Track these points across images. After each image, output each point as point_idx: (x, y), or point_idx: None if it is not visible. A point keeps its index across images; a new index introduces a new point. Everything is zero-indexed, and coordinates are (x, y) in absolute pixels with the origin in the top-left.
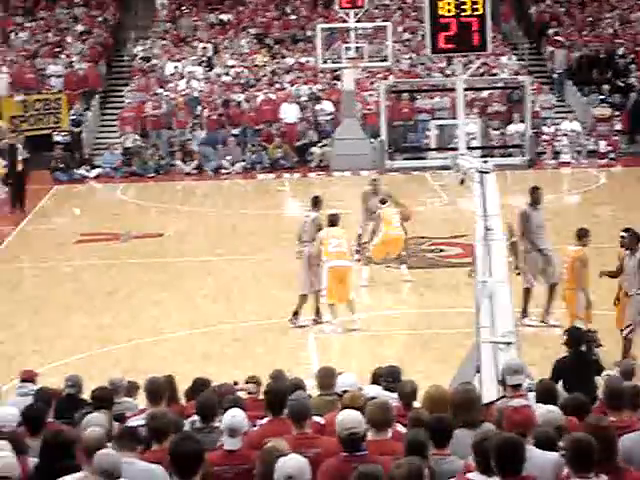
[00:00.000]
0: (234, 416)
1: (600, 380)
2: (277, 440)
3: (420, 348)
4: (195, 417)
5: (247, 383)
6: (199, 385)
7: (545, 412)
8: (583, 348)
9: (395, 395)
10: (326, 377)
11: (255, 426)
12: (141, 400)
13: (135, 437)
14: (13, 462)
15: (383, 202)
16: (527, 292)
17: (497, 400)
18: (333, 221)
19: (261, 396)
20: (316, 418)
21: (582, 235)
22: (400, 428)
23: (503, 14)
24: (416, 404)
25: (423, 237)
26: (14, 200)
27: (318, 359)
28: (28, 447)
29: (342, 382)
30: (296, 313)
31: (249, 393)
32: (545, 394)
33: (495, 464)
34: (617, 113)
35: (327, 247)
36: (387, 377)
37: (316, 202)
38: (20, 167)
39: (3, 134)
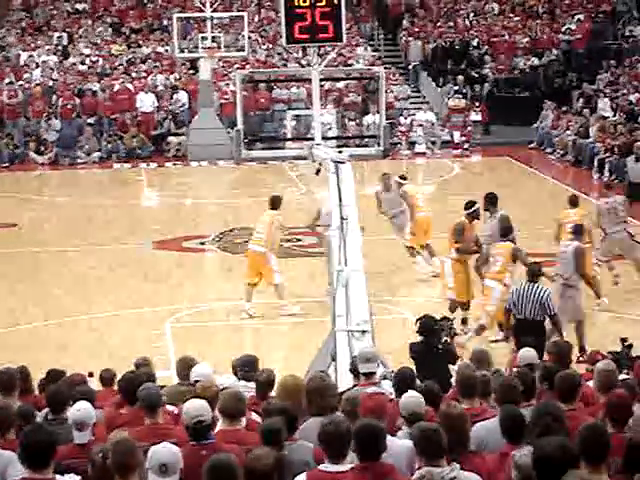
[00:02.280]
0: (79, 410)
1: (455, 368)
2: (119, 431)
3: (278, 337)
4: (47, 409)
5: (101, 375)
6: (53, 376)
7: (405, 398)
8: (434, 336)
9: (252, 384)
10: (182, 367)
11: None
12: None
13: None
14: None
15: (403, 178)
16: None
17: (351, 388)
18: (272, 203)
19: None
20: (170, 407)
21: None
22: (255, 417)
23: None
24: (273, 393)
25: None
26: None
27: (175, 349)
28: None
29: (196, 372)
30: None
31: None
32: (403, 382)
33: (355, 449)
34: (475, 104)
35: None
36: (244, 366)
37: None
38: None
39: None
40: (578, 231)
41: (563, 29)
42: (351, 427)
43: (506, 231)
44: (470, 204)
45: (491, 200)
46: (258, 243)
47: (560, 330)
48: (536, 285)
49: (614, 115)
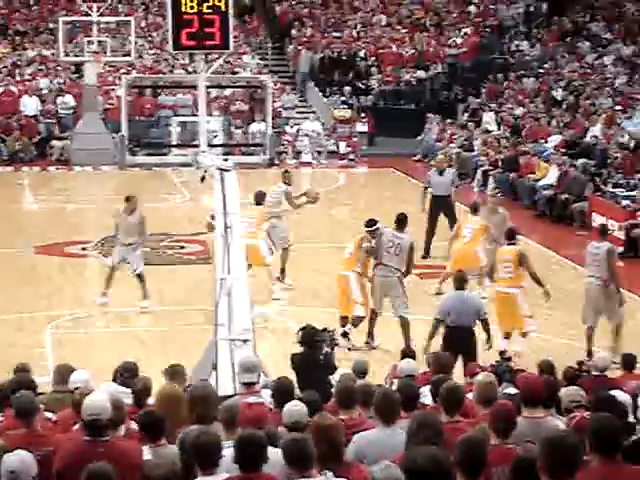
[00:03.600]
0: None
1: (335, 379)
2: None
3: (159, 344)
4: None
5: None
6: None
7: (289, 407)
8: (316, 346)
9: (130, 391)
10: (60, 373)
11: None
12: None
13: None
14: None
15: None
16: None
17: (230, 397)
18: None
19: None
20: (48, 414)
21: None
22: (134, 426)
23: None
24: (150, 401)
25: (164, 234)
26: None
27: (54, 356)
28: None
29: (74, 379)
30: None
31: None
32: (282, 391)
33: (236, 459)
34: (361, 115)
35: None
36: (124, 373)
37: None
38: None
39: None
40: (604, 232)
41: (449, 42)
42: (220, 437)
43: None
44: (371, 223)
45: (401, 220)
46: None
47: (489, 332)
48: (466, 291)
49: (499, 129)
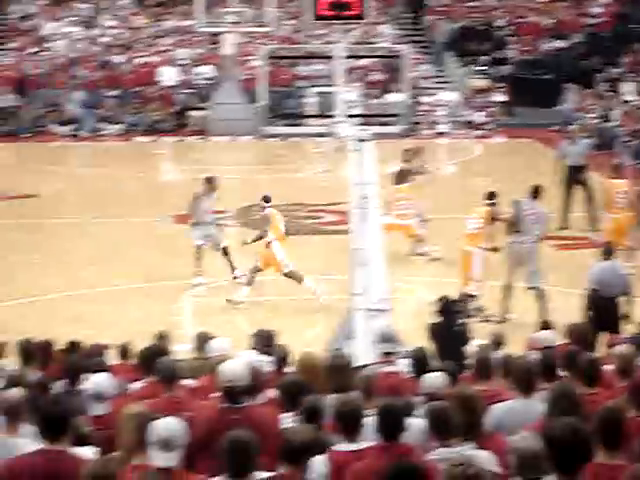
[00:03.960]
0: (97, 382)
1: (469, 349)
2: (137, 404)
3: (294, 313)
4: (64, 380)
5: (118, 348)
6: (70, 348)
7: (429, 378)
8: (454, 316)
9: (270, 359)
10: (200, 341)
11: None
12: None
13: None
14: None
15: (266, 200)
16: None
17: (367, 366)
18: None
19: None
20: (188, 381)
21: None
22: (273, 393)
23: None
24: (289, 368)
25: (301, 204)
26: None
27: (193, 323)
28: None
29: (213, 346)
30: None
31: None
32: (418, 362)
33: (378, 429)
34: (498, 85)
35: None
36: (261, 341)
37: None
38: None
39: None
40: None
41: (589, 11)
42: (363, 405)
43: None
44: (491, 196)
45: (537, 191)
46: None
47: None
48: (616, 262)
49: (639, 99)
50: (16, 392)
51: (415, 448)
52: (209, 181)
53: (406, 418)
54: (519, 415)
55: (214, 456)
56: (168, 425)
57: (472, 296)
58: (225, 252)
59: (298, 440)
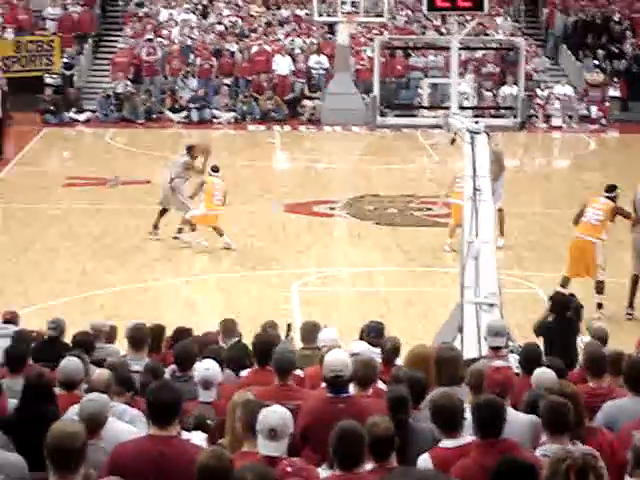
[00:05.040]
0: (207, 369)
1: (580, 345)
2: (244, 392)
3: (404, 305)
4: (174, 366)
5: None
6: (180, 334)
7: (539, 374)
8: (569, 313)
9: (379, 351)
10: (309, 331)
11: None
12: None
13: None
14: None
15: (215, 170)
16: None
17: (476, 360)
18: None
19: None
20: (297, 371)
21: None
22: (381, 385)
23: None
24: (398, 361)
25: (411, 195)
26: None
27: (301, 312)
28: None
29: (322, 336)
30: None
31: None
32: (530, 357)
33: (475, 425)
34: (613, 79)
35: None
36: (370, 333)
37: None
38: None
39: None
40: None
41: None
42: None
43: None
44: (611, 188)
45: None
46: None
47: None
48: None
49: None
50: (105, 372)
51: (518, 444)
52: (189, 149)
53: (505, 414)
54: (631, 413)
55: (319, 446)
56: (277, 414)
57: (603, 282)
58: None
59: (381, 433)
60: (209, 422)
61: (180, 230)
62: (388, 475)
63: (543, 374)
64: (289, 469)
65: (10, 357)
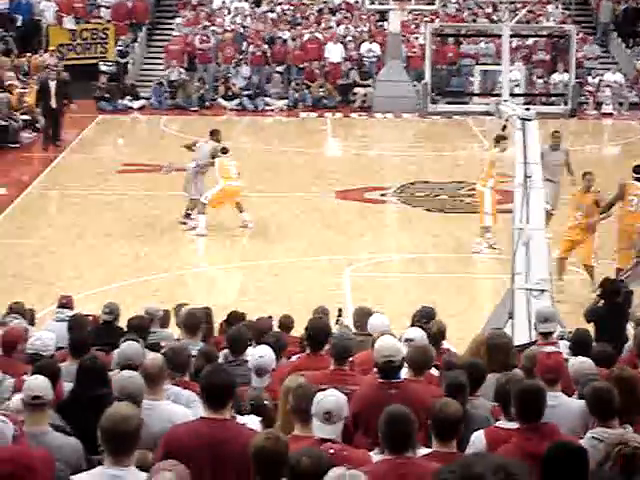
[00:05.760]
0: (262, 356)
1: (630, 330)
2: (297, 376)
3: (455, 291)
4: (227, 350)
5: (280, 323)
6: (234, 319)
7: (577, 363)
8: (619, 299)
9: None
10: (361, 317)
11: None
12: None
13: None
14: (47, 384)
15: (224, 152)
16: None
17: (527, 346)
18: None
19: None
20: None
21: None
22: (432, 371)
23: None
24: (445, 343)
25: (462, 182)
26: (46, 138)
27: (352, 298)
28: (60, 372)
29: (374, 322)
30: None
31: None
32: (580, 343)
33: (515, 410)
34: None
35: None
36: (421, 318)
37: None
38: (54, 104)
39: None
40: None
41: None
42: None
43: None
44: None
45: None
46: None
47: None
48: None
49: None
50: (158, 357)
51: (562, 428)
52: (212, 134)
53: (544, 399)
54: None
55: (370, 431)
56: (334, 397)
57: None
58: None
59: (450, 414)
60: (266, 403)
61: (188, 215)
62: (462, 459)
63: (581, 363)
64: (331, 451)
65: (74, 343)
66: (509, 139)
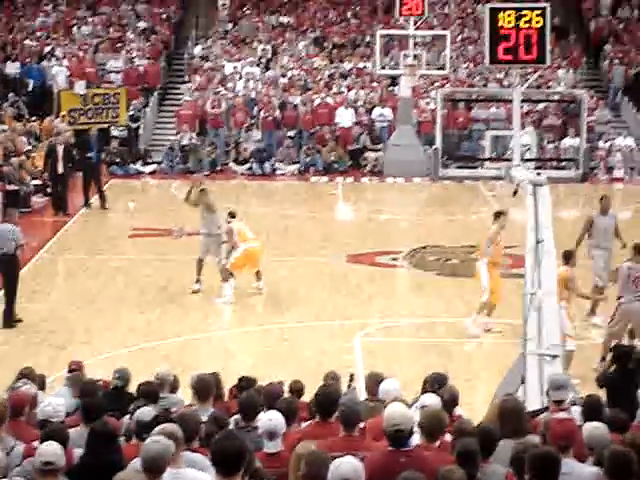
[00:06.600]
0: (271, 419)
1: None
2: (308, 442)
3: (466, 356)
4: (238, 416)
5: (291, 388)
6: (245, 384)
7: (591, 428)
8: (631, 365)
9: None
10: (374, 382)
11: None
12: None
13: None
14: (60, 451)
15: (232, 216)
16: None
17: (540, 412)
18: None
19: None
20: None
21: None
22: (447, 438)
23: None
24: (458, 410)
25: (473, 246)
26: (55, 205)
27: (363, 363)
28: (69, 438)
29: (385, 387)
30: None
31: None
32: (592, 409)
33: (530, 476)
34: None
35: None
36: (433, 384)
37: None
38: (60, 169)
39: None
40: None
41: None
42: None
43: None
44: None
45: None
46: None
47: None
48: None
49: None
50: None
51: None
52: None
53: (560, 466)
54: None
55: None
56: (350, 464)
57: None
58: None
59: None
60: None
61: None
62: None
63: (594, 429)
64: None
65: (87, 409)
66: (507, 215)
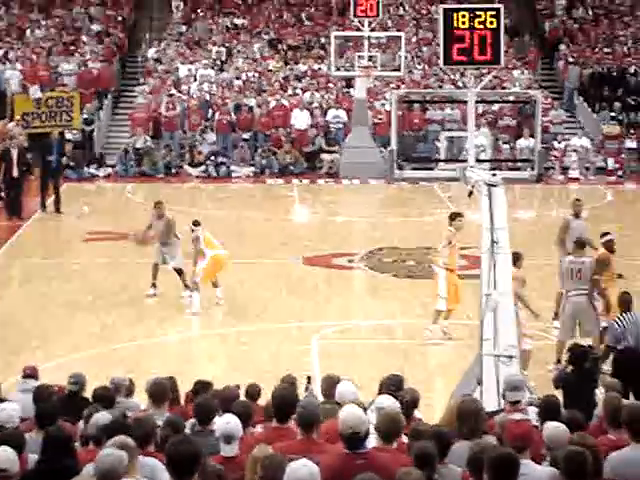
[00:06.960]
0: (228, 422)
1: (599, 396)
2: (263, 446)
3: (421, 358)
4: (194, 420)
5: (247, 391)
6: (201, 388)
7: (552, 428)
8: (587, 365)
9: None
10: (330, 385)
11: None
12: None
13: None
14: (14, 457)
15: (196, 224)
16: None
17: (496, 413)
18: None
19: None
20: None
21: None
22: (404, 438)
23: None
24: (417, 413)
25: (429, 248)
26: (9, 209)
27: (320, 365)
28: (25, 443)
29: (341, 390)
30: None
31: None
32: (549, 410)
33: (488, 478)
34: (631, 131)
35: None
36: (390, 386)
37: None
38: (15, 173)
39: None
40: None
41: None
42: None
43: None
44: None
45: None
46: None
47: None
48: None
49: None
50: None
51: None
52: (155, 205)
53: (517, 468)
54: (634, 464)
55: None
56: (306, 468)
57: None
58: (178, 272)
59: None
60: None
61: (186, 286)
62: None
63: (554, 429)
64: None
65: (41, 414)
66: (464, 216)
